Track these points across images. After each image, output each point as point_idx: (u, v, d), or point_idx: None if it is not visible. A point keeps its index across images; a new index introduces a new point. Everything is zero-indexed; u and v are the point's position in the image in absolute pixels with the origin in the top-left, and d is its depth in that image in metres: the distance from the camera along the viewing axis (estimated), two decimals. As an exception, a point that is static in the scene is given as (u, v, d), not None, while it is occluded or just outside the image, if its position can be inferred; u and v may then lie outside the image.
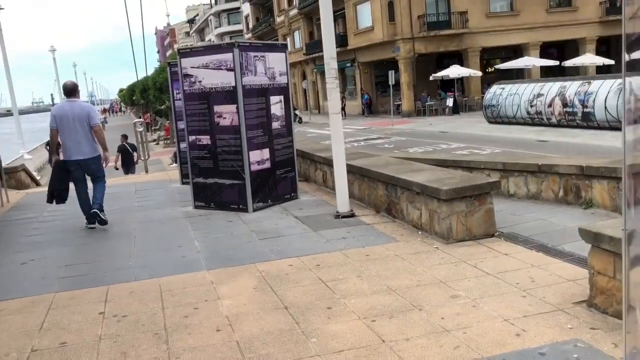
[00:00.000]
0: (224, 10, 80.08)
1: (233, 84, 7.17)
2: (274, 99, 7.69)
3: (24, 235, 7.07)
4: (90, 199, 7.21)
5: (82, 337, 3.79)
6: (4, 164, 19.28)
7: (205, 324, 3.85)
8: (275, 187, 7.75)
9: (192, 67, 7.54)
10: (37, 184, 13.47)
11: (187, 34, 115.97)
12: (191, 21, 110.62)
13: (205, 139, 7.60)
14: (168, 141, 33.04)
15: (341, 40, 37.57)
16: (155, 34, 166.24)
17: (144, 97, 29.74)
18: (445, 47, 32.81)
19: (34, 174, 23.37)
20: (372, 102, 38.20)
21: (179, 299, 4.37)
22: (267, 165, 7.61)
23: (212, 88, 7.38)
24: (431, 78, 32.37)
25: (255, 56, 7.36)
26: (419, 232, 5.78)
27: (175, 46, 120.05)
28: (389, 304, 3.96)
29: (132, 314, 4.13)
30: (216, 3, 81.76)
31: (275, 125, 7.75)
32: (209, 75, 7.36)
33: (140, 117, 53.82)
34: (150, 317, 4.03)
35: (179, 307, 4.19)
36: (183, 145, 10.11)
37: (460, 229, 5.39)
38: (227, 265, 5.14)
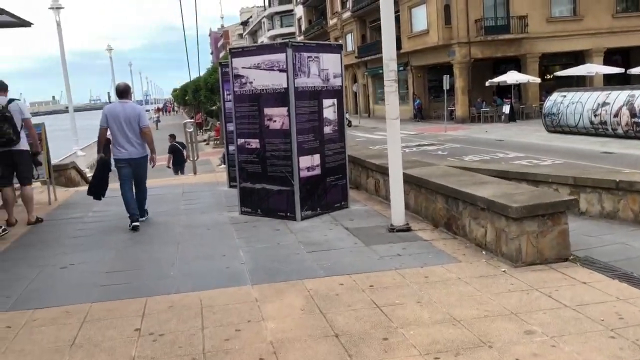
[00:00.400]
0: (277, 13, 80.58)
1: (285, 86, 6.82)
2: (326, 102, 7.31)
3: (67, 236, 6.92)
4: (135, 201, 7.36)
5: (114, 357, 3.48)
6: (55, 161, 19.73)
7: (247, 350, 3.47)
8: (325, 195, 7.35)
9: (243, 68, 7.24)
10: (87, 181, 13.52)
11: (240, 35, 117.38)
12: (244, 23, 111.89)
13: (254, 143, 7.29)
14: (218, 142, 33.23)
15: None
16: (209, 35, 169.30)
17: (196, 97, 29.96)
18: (503, 52, 31.73)
19: (86, 170, 23.85)
20: (424, 106, 37.42)
21: (220, 317, 4.02)
22: (317, 171, 7.23)
23: (263, 90, 7.05)
24: (487, 84, 31.36)
25: (308, 57, 6.99)
26: (483, 252, 5.25)
27: (228, 47, 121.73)
28: (454, 338, 3.49)
29: (170, 332, 3.80)
30: (270, 5, 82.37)
31: (327, 129, 7.36)
32: (261, 76, 7.04)
33: (192, 117, 54.75)
34: (188, 338, 3.69)
35: (219, 328, 3.84)
36: (232, 147, 9.87)
37: (530, 251, 4.84)
38: (272, 281, 4.77)
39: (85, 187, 11.37)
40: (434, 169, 7.28)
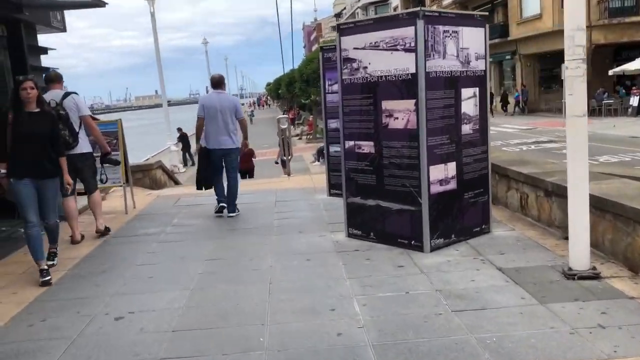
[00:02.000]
0: (371, 3, 78.58)
1: (412, 71, 5.07)
2: (466, 92, 5.47)
3: (135, 262, 5.55)
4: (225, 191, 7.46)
5: None
6: (142, 160, 19.09)
7: None
8: (461, 216, 5.53)
9: (355, 49, 5.55)
10: (176, 182, 12.47)
11: (334, 28, 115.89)
12: (338, 15, 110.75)
13: (367, 146, 5.59)
14: (310, 136, 31.97)
15: (501, 30, 34.06)
16: (303, 29, 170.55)
17: (290, 90, 28.83)
18: (630, 36, 27.98)
19: (179, 166, 23.28)
20: (532, 98, 34.16)
21: None
22: (452, 185, 5.42)
23: (381, 77, 5.34)
24: (611, 73, 27.82)
25: (445, 32, 5.18)
26: None
27: (322, 40, 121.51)
28: None
29: None
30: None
31: (466, 129, 5.52)
32: (379, 58, 5.33)
33: (284, 112, 53.90)
34: None
35: None
36: (334, 149, 8.26)
37: None
38: (412, 370, 3.06)
39: (170, 192, 10.25)
40: (620, 184, 5.23)
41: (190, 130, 29.45)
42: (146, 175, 10.56)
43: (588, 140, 4.40)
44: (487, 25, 5.65)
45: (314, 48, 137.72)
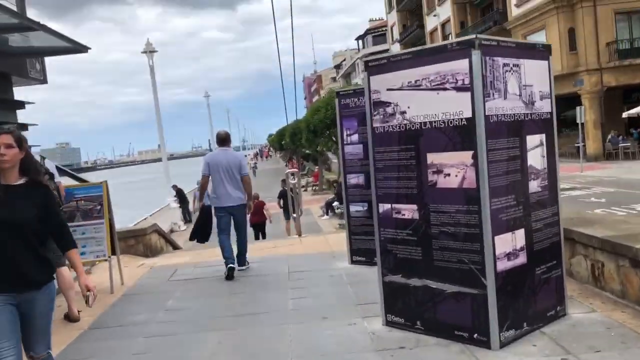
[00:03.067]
0: (371, 54, 79.12)
1: (468, 114, 3.95)
2: (531, 139, 4.34)
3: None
4: (234, 249, 7.25)
5: None
6: (143, 217, 17.84)
7: None
8: (534, 297, 4.31)
9: (389, 90, 4.45)
10: (174, 246, 11.25)
11: (334, 79, 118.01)
12: (337, 66, 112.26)
13: (408, 211, 4.42)
14: (317, 188, 30.91)
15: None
16: (303, 80, 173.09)
17: (294, 141, 27.97)
18: (641, 78, 27.25)
19: (180, 223, 22.06)
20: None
21: None
22: (522, 259, 4.21)
23: (424, 123, 4.22)
24: (625, 115, 26.91)
25: (505, 65, 4.09)
26: None
27: (322, 91, 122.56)
28: None
29: None
30: (364, 47, 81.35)
31: (534, 186, 4.36)
32: (421, 100, 4.22)
33: (286, 164, 52.94)
34: None
35: None
36: (355, 208, 7.12)
37: None
38: None
39: (167, 261, 9.04)
40: None
41: (188, 185, 28.46)
42: (140, 241, 9.35)
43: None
44: (551, 58, 4.57)
45: (314, 99, 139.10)
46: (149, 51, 20.93)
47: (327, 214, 19.91)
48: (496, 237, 4.00)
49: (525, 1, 30.54)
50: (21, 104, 7.33)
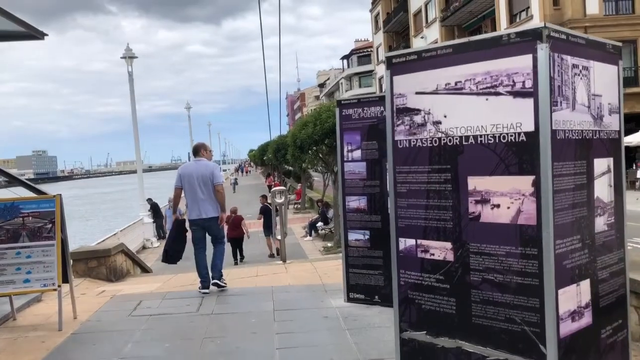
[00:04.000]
0: (355, 74, 79.18)
1: (529, 127, 3.00)
2: (599, 164, 3.40)
3: None
4: (209, 263, 7.02)
5: None
6: (108, 236, 16.41)
7: None
8: (599, 368, 3.33)
9: (418, 94, 3.49)
10: (143, 268, 10.07)
11: (317, 97, 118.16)
12: (321, 85, 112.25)
13: (440, 249, 3.43)
14: (299, 206, 29.86)
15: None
16: (286, 98, 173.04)
17: (277, 156, 26.96)
18: (630, 107, 26.77)
19: (153, 240, 20.74)
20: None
21: None
22: (587, 318, 3.24)
23: (467, 137, 3.26)
24: (615, 144, 26.35)
25: (575, 66, 3.16)
26: None
27: (305, 109, 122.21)
28: None
29: None
30: (349, 66, 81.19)
31: (600, 224, 3.40)
32: (463, 107, 3.26)
33: (266, 178, 51.78)
34: None
35: None
36: (354, 236, 6.13)
37: None
38: None
39: (133, 286, 7.90)
40: None
41: (163, 199, 27.17)
42: (102, 263, 8.20)
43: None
44: (621, 62, 3.66)
45: (297, 117, 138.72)
46: (128, 57, 19.84)
47: (310, 235, 18.85)
48: (559, 291, 3.04)
49: (519, 24, 30.19)
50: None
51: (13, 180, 7.45)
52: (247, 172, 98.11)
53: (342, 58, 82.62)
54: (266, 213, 16.35)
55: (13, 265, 5.40)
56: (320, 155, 16.37)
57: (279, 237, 10.82)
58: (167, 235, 7.58)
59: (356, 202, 6.14)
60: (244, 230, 15.49)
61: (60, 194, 5.70)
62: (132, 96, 19.80)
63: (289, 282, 7.41)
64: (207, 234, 7.08)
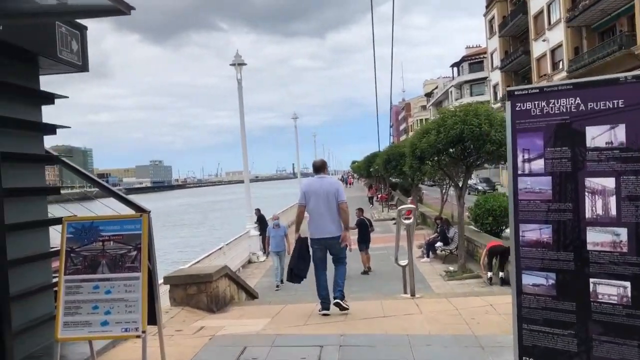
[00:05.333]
0: (467, 82, 75.91)
1: None
2: None
3: None
4: (331, 284, 6.79)
5: None
6: (212, 251, 15.49)
7: None
8: None
9: None
10: (249, 293, 8.88)
11: (424, 107, 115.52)
12: (428, 94, 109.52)
13: None
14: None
15: None
16: (390, 109, 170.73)
17: (388, 168, 25.38)
18: None
19: (259, 254, 19.80)
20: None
21: None
22: None
23: None
24: None
25: None
26: None
27: (411, 120, 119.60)
28: None
29: None
30: (459, 74, 78.05)
31: None
32: None
33: (368, 190, 50.11)
34: None
35: None
36: (532, 279, 4.41)
37: None
38: None
39: (240, 310, 6.66)
40: None
41: (269, 208, 26.47)
42: (203, 290, 7.05)
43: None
44: None
45: (401, 127, 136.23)
46: (238, 64, 19.25)
47: (428, 256, 17.00)
48: None
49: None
50: (49, 98, 5.24)
51: (102, 189, 6.42)
52: (350, 184, 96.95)
53: (452, 66, 79.54)
54: (362, 227, 15.82)
55: (89, 302, 4.27)
56: (442, 167, 14.57)
57: (401, 263, 9.22)
58: (290, 256, 7.26)
59: (536, 233, 4.40)
60: (348, 243, 14.64)
61: (149, 212, 4.52)
62: (241, 102, 19.16)
63: (427, 328, 5.79)
64: (327, 253, 6.89)
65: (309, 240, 6.89)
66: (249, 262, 18.98)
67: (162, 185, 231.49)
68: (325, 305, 6.66)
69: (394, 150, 24.70)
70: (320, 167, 7.09)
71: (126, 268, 4.32)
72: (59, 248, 4.65)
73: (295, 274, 6.86)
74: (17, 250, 4.55)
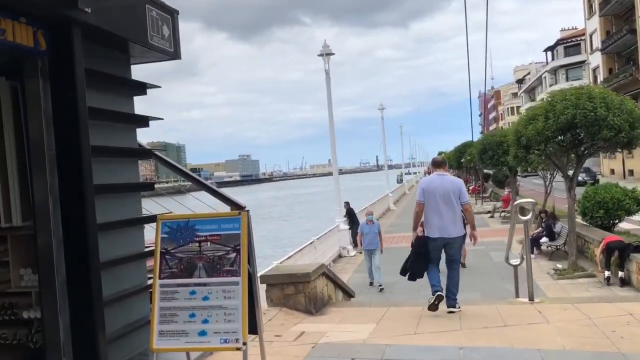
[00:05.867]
0: (562, 66, 71.49)
1: None
2: None
3: None
4: (443, 286, 6.45)
5: None
6: (303, 246, 14.91)
7: None
8: None
9: None
10: (345, 291, 8.37)
11: (514, 95, 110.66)
12: (520, 81, 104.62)
13: None
14: (507, 214, 26.46)
15: None
16: (478, 97, 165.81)
17: (484, 158, 24.05)
18: None
19: (349, 248, 19.20)
20: None
21: None
22: None
23: None
24: None
25: None
26: None
27: (501, 108, 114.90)
28: None
29: None
30: (553, 59, 73.69)
31: None
32: None
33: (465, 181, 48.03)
34: None
35: None
36: None
37: None
38: None
39: (339, 312, 6.17)
40: None
41: (358, 204, 25.92)
42: (301, 291, 6.60)
43: None
44: None
45: (491, 116, 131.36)
46: (325, 54, 18.82)
47: (532, 253, 15.75)
48: None
49: None
50: (140, 88, 4.93)
51: (196, 183, 6.09)
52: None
53: (546, 50, 75.23)
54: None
55: (185, 309, 3.89)
56: (550, 157, 13.35)
57: (513, 262, 8.35)
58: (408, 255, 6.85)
59: None
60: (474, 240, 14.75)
61: (248, 210, 4.08)
62: (329, 93, 18.68)
63: (560, 342, 4.99)
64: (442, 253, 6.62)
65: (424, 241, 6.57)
66: (339, 256, 18.53)
67: (250, 179, 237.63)
68: (436, 288, 6.41)
69: (490, 139, 23.33)
70: (440, 164, 6.81)
71: (225, 272, 3.90)
72: (152, 247, 4.35)
73: (411, 273, 6.64)
74: (110, 251, 4.26)
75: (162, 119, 5.30)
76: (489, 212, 27.77)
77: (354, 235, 20.39)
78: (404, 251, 7.76)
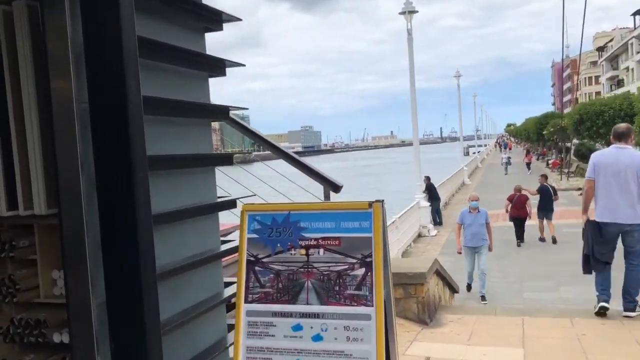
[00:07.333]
0: (652, 30, 65.88)
1: None
2: None
3: None
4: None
5: None
6: (408, 242, 13.01)
7: None
8: None
9: None
10: (453, 288, 6.85)
11: (594, 63, 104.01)
12: (601, 49, 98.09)
13: None
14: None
15: None
16: (552, 66, 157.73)
17: (580, 130, 21.66)
18: None
19: (429, 227, 17.58)
20: None
21: None
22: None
23: None
24: None
25: None
26: None
27: (577, 78, 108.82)
28: None
29: None
30: (642, 23, 68.07)
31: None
32: None
33: (525, 156, 44.76)
34: None
35: None
36: None
37: None
38: None
39: (459, 321, 4.67)
40: None
41: (438, 177, 24.09)
42: (413, 295, 5.14)
43: None
44: None
45: (565, 86, 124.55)
46: (408, 11, 16.98)
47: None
48: None
49: None
50: (216, 22, 3.46)
51: (276, 152, 4.67)
52: (509, 149, 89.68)
53: (634, 14, 69.52)
54: (544, 193, 15.74)
55: (287, 353, 2.49)
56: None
57: None
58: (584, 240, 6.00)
59: None
60: (527, 211, 15.31)
61: (382, 201, 2.59)
62: (411, 56, 16.88)
63: None
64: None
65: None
66: (419, 235, 16.97)
67: (312, 150, 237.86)
68: (603, 297, 5.66)
69: (589, 109, 20.85)
70: (622, 135, 5.83)
71: (347, 297, 2.45)
72: (228, 238, 3.00)
73: (596, 259, 5.70)
74: (172, 253, 2.90)
75: (243, 65, 3.85)
76: (579, 189, 25.35)
77: (433, 212, 18.80)
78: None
